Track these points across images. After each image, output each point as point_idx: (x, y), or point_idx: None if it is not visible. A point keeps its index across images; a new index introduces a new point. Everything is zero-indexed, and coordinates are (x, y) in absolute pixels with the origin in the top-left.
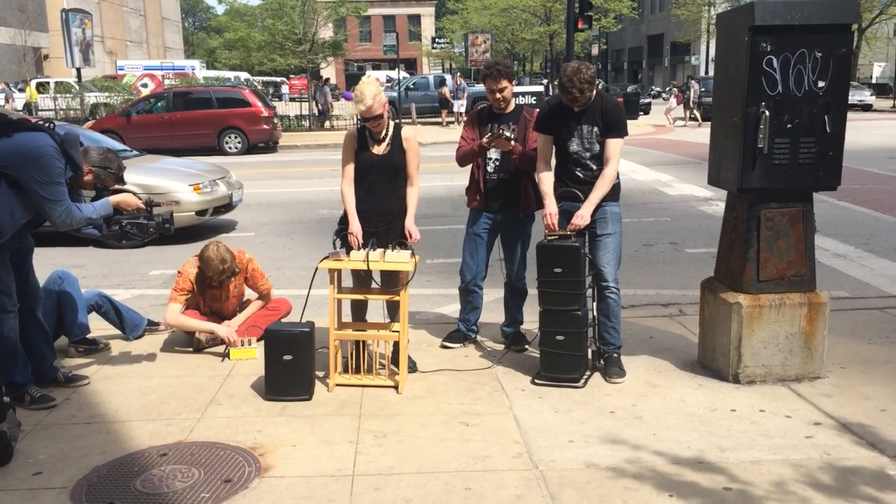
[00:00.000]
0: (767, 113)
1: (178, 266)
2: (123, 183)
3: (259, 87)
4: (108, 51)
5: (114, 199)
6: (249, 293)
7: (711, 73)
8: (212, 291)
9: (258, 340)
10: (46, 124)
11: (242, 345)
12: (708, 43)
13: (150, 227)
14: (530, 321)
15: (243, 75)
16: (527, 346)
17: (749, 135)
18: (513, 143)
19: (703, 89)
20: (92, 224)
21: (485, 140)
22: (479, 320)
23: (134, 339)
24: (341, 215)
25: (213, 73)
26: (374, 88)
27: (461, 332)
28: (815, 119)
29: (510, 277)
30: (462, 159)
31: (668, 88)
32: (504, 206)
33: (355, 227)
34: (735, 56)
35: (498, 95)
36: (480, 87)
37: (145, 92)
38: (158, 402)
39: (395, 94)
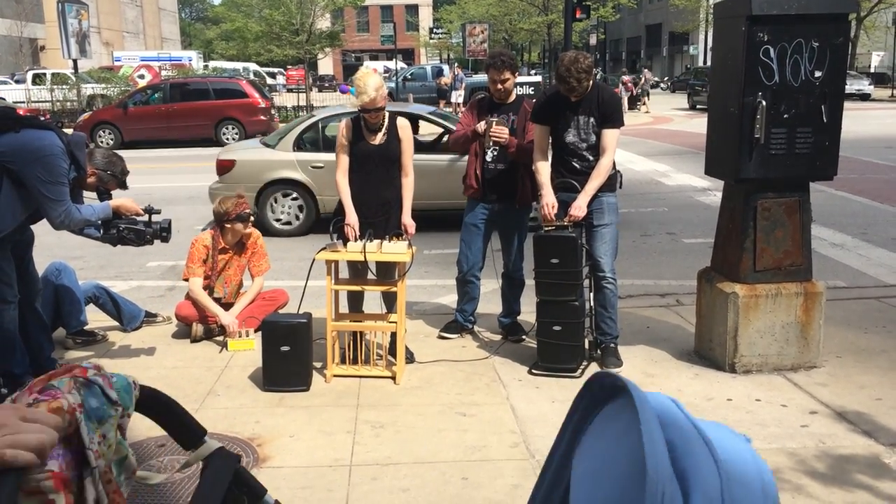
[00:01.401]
0: (764, 103)
1: (176, 258)
2: (126, 187)
3: (264, 78)
4: (105, 42)
5: (114, 203)
6: (246, 288)
7: (710, 62)
8: (221, 256)
9: (256, 331)
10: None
11: (240, 336)
12: (706, 32)
13: (148, 234)
14: (527, 311)
15: (252, 66)
16: (524, 337)
17: (746, 125)
18: (508, 137)
19: (655, 79)
20: (90, 226)
21: (481, 127)
22: (476, 311)
23: (131, 330)
24: (336, 206)
25: (215, 64)
26: (376, 80)
27: (458, 322)
28: (812, 109)
29: (507, 268)
30: (454, 143)
31: (618, 76)
32: (501, 197)
33: (352, 218)
34: (732, 46)
35: (500, 86)
36: (478, 78)
37: (142, 83)
38: None
39: (392, 84)
